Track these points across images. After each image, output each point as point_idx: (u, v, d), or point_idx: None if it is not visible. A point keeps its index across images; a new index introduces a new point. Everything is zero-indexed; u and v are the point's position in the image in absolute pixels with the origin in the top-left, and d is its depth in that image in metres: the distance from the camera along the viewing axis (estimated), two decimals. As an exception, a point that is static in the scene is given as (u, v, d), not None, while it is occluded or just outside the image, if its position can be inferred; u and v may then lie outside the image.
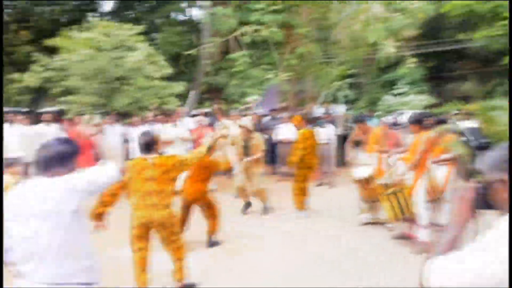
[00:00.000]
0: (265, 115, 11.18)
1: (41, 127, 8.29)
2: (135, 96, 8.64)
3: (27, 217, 1.93)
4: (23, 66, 14.78)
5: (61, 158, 1.98)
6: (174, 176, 3.60)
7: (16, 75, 8.51)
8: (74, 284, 1.99)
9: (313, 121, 10.42)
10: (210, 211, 4.85)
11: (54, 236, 1.94)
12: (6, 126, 8.05)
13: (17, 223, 1.94)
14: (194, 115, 10.62)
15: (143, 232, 3.55)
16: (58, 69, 8.54)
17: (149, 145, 3.59)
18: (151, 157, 3.54)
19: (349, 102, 15.48)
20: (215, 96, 13.55)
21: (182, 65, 11.21)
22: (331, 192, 7.78)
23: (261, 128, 9.32)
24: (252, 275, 4.10)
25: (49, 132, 8.18)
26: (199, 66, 11.66)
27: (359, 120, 6.78)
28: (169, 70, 9.03)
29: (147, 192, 3.47)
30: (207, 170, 4.77)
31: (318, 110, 10.97)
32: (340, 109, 11.78)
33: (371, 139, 5.79)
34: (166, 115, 9.04)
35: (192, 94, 11.08)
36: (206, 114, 10.97)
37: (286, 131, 9.44)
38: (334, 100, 18.36)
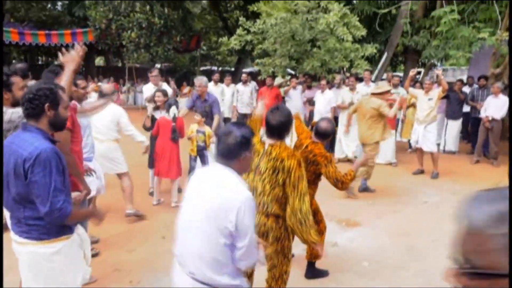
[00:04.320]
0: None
1: (238, 86, 9.35)
2: (323, 59, 8.55)
3: (191, 199, 1.88)
4: (234, 30, 16.67)
5: (235, 148, 1.82)
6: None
7: (223, 39, 9.48)
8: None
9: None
10: None
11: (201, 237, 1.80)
12: (211, 84, 9.42)
13: (185, 201, 1.92)
14: (383, 79, 9.92)
15: None
16: (258, 32, 9.12)
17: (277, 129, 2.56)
18: (271, 142, 2.56)
19: None
20: (411, 59, 12.23)
21: (377, 25, 10.40)
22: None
23: (459, 98, 7.96)
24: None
25: (245, 91, 9.17)
26: (396, 26, 10.60)
27: None
28: (363, 32, 8.44)
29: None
30: None
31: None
32: None
33: None
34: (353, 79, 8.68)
35: (385, 57, 10.27)
36: (400, 82, 10.01)
37: (496, 105, 7.77)
38: None
